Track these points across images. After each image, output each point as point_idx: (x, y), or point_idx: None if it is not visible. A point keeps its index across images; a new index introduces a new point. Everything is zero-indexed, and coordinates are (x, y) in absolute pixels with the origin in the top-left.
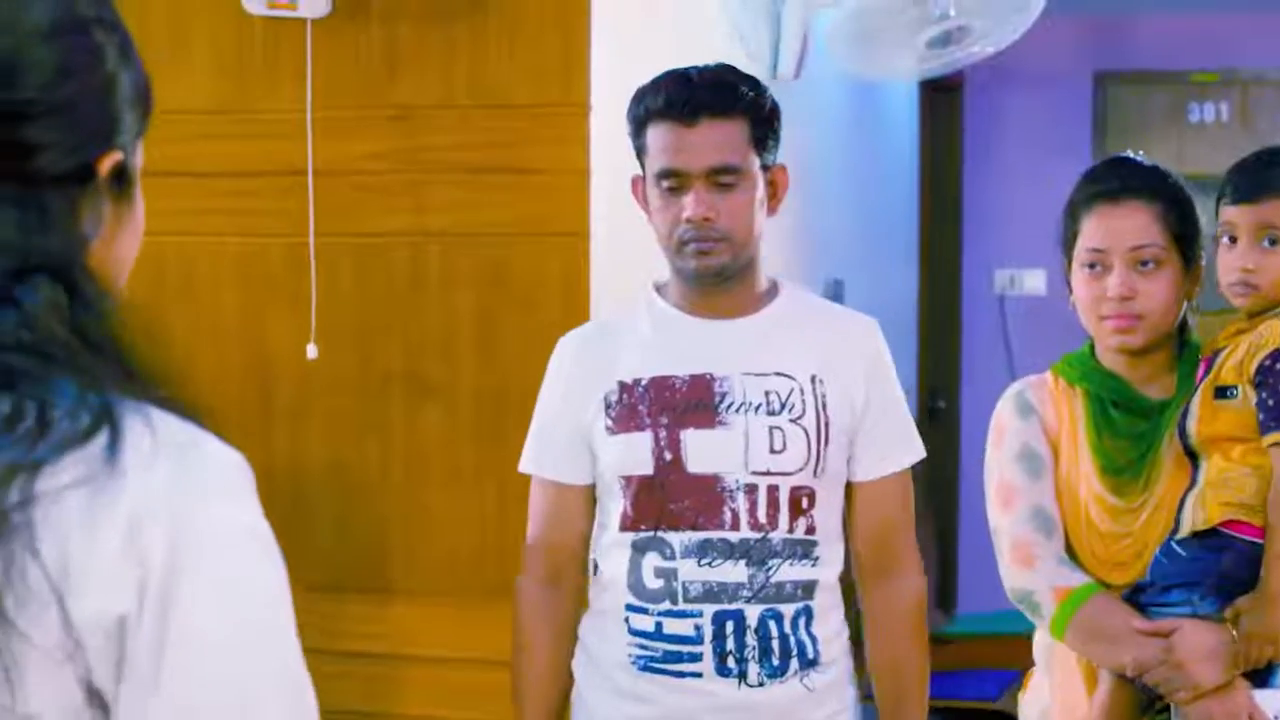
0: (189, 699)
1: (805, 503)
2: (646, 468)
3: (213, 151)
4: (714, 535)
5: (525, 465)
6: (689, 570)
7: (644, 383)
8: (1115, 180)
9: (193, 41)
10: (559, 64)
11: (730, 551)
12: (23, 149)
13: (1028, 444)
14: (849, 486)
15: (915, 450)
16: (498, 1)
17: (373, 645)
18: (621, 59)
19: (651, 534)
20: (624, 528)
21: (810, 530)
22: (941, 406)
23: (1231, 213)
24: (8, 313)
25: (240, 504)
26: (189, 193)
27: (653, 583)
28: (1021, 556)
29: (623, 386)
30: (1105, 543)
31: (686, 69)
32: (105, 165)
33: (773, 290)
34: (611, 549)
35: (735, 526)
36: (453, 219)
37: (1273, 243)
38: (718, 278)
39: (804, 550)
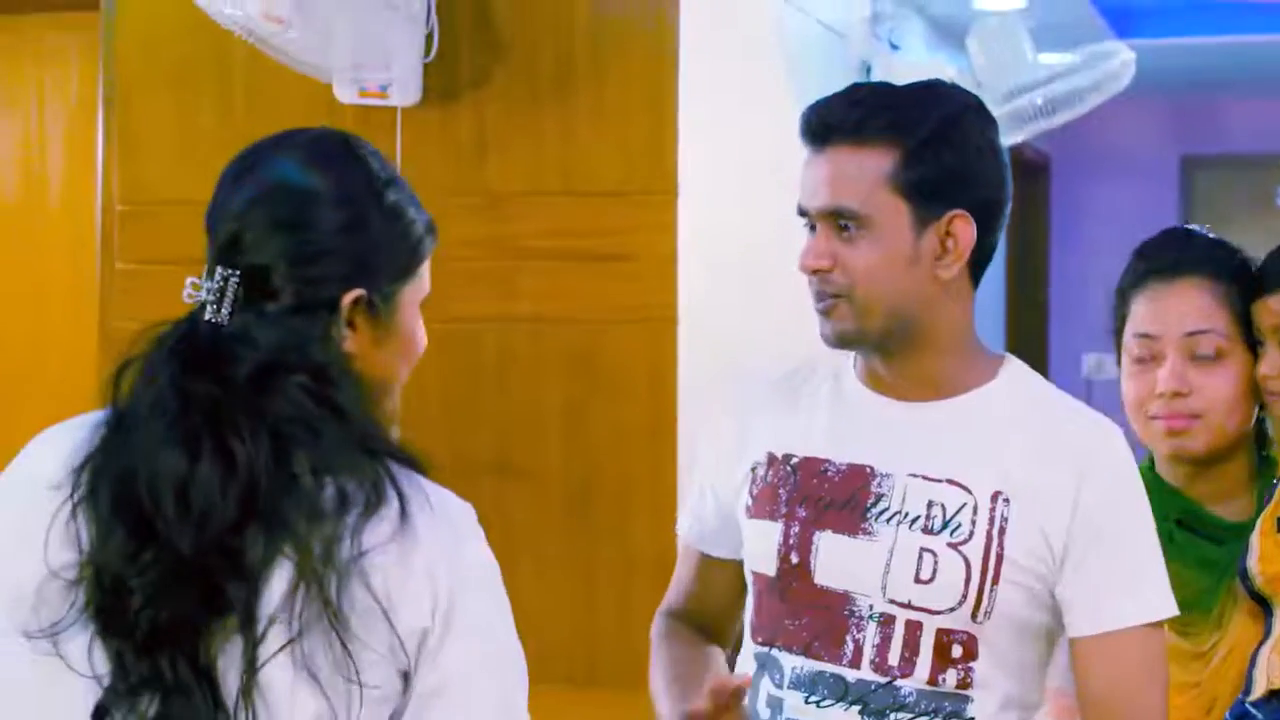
0: (457, 671)
1: (957, 651)
2: (770, 566)
3: None
4: (828, 669)
5: (678, 527)
6: (795, 705)
7: (795, 461)
8: (1170, 255)
9: (283, 128)
10: (648, 150)
11: (843, 693)
12: (271, 292)
13: None
14: (1071, 642)
15: (1155, 604)
16: (586, 89)
17: None
18: (710, 145)
19: (767, 651)
20: (751, 636)
21: (964, 685)
22: None
23: (1268, 304)
24: (278, 400)
25: (483, 544)
26: None
27: (764, 712)
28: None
29: (771, 460)
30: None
31: (871, 81)
32: (346, 299)
33: (990, 370)
34: (745, 660)
35: (855, 663)
36: (541, 305)
37: None
38: (848, 347)
39: (951, 709)
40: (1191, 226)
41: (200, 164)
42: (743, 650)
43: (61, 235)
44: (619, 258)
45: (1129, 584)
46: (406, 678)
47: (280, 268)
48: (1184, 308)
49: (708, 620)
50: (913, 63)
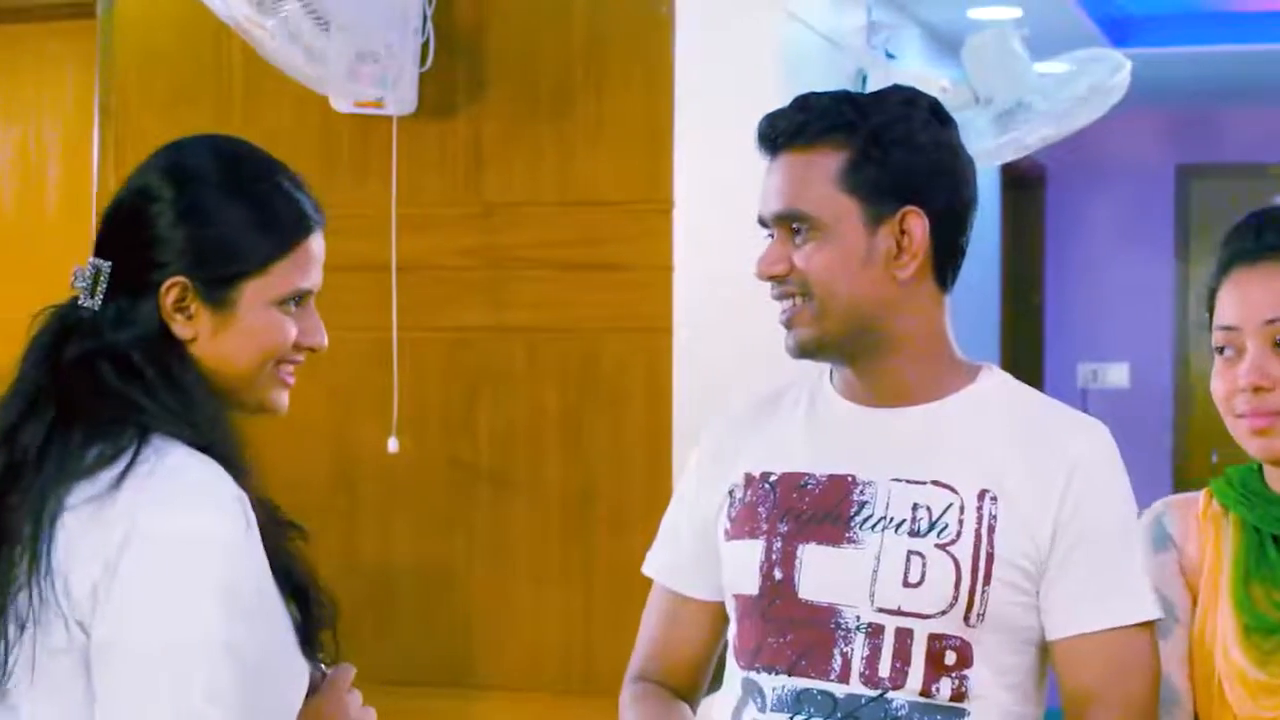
0: (119, 629)
1: (951, 658)
2: (751, 585)
3: None
4: (815, 685)
5: (646, 567)
6: None
7: (773, 478)
8: (1251, 237)
9: (280, 138)
10: (644, 161)
11: (832, 709)
12: (122, 280)
13: (1157, 588)
14: (1051, 645)
15: (1134, 607)
16: (583, 99)
17: None
18: (706, 155)
19: (749, 674)
20: (735, 661)
21: (959, 696)
22: None
23: None
24: (84, 381)
25: (193, 513)
26: None
27: None
28: None
29: (749, 480)
30: None
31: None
32: (164, 287)
33: (968, 376)
34: (726, 688)
35: (844, 678)
36: (538, 314)
37: None
38: (812, 356)
39: None
40: None
41: None
42: (725, 680)
43: (58, 243)
44: (615, 268)
45: (1111, 586)
46: (84, 629)
47: (124, 257)
48: (1265, 293)
49: (679, 675)
50: (909, 72)
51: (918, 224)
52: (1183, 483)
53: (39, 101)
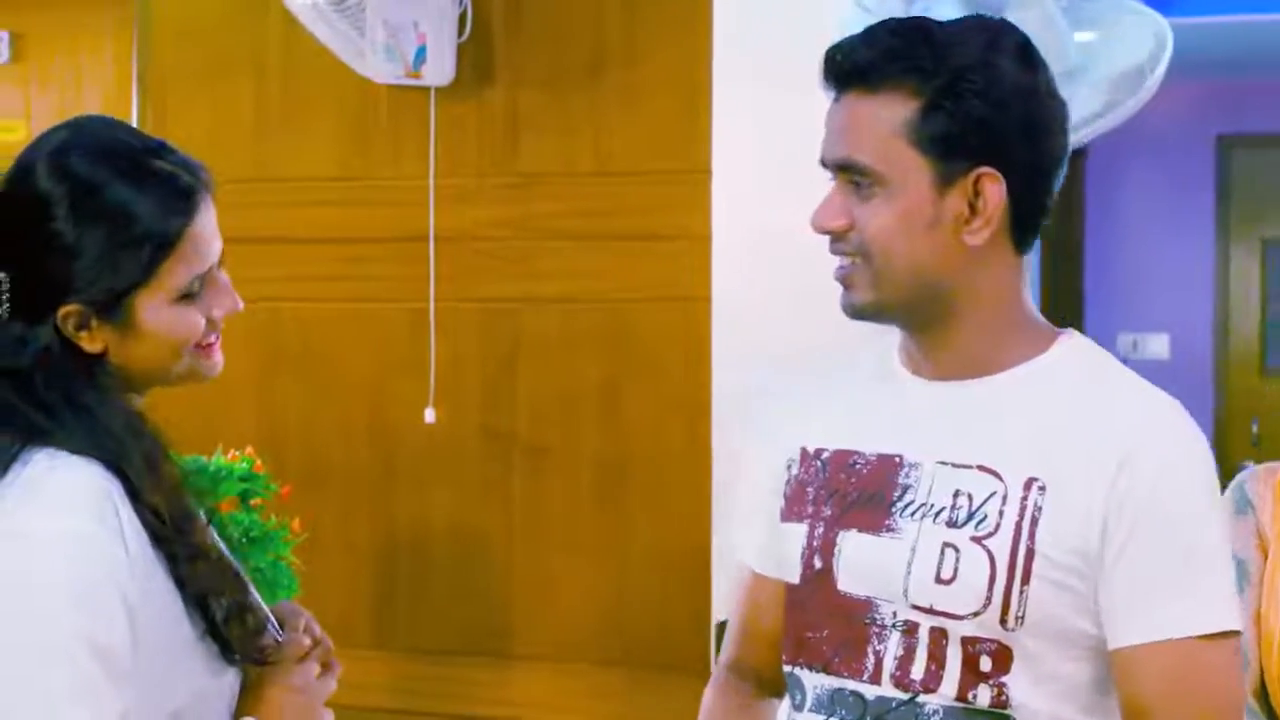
0: None
1: (988, 664)
2: (794, 574)
3: (335, 218)
4: (848, 685)
5: (736, 551)
6: None
7: (825, 455)
8: None
9: (318, 109)
10: (681, 130)
11: (862, 712)
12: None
13: (1232, 548)
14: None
15: (1200, 616)
16: (619, 69)
17: (493, 710)
18: (743, 124)
19: (792, 670)
20: (783, 656)
21: (1000, 703)
22: None
23: None
24: None
25: (47, 514)
26: (311, 258)
27: None
28: None
29: (803, 456)
30: None
31: (902, 18)
32: (61, 314)
33: (1041, 344)
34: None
35: (875, 679)
36: (575, 284)
37: None
38: (868, 319)
39: None
40: None
41: (234, 146)
42: None
43: None
44: (652, 237)
45: (1171, 589)
46: None
47: (19, 272)
48: None
49: (766, 660)
50: None
51: (993, 187)
52: (1223, 452)
53: (78, 70)
